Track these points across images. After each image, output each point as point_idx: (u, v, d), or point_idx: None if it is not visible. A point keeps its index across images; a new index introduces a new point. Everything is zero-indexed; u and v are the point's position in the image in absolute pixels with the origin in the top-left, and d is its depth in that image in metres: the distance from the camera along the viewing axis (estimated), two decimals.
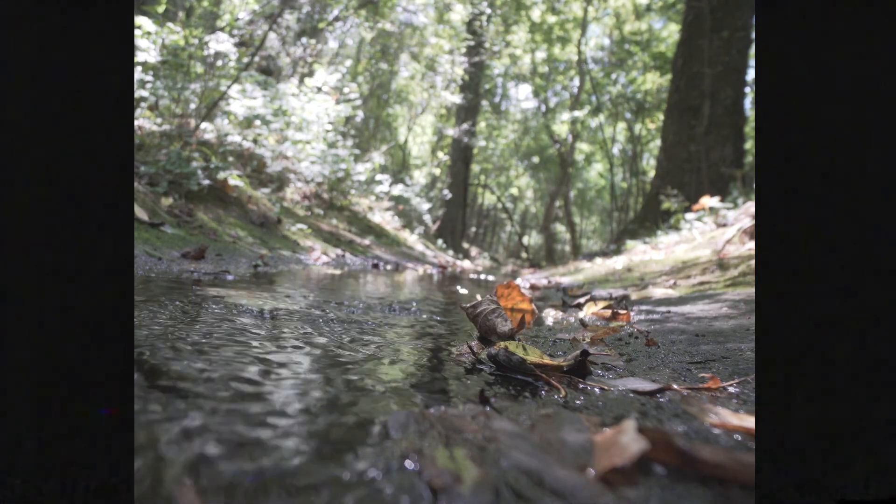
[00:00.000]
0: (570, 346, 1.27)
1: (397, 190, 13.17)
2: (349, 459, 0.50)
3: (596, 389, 0.86)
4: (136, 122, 6.02)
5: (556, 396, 0.80)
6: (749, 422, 0.66)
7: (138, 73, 5.95)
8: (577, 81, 21.81)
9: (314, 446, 0.53)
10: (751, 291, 2.30)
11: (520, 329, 1.26)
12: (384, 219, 12.04)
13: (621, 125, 22.35)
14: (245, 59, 7.36)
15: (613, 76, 21.08)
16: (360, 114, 12.83)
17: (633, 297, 2.96)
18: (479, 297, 1.37)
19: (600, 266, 6.82)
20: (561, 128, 23.69)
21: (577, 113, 20.21)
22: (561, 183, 22.60)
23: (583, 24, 20.16)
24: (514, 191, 30.39)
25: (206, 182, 5.53)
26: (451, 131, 19.38)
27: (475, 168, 25.01)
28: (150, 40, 6.00)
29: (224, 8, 12.09)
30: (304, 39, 12.30)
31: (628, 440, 0.52)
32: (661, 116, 15.83)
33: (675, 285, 3.15)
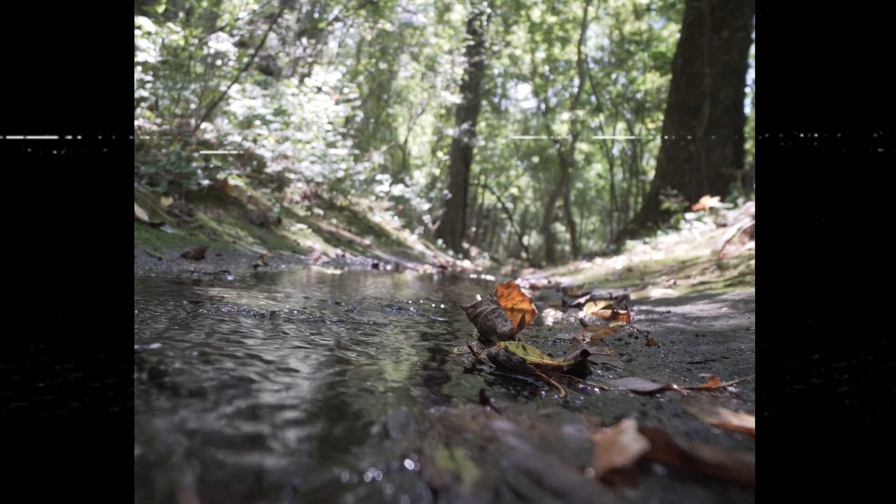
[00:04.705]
0: (570, 346, 1.27)
1: (397, 190, 13.16)
2: (349, 459, 0.50)
3: (596, 389, 0.86)
4: (136, 122, 6.02)
5: (556, 396, 0.80)
6: (749, 422, 0.66)
7: (138, 73, 5.95)
8: (577, 81, 21.81)
9: (314, 446, 0.53)
10: (751, 291, 2.30)
11: (520, 329, 1.26)
12: (384, 219, 12.03)
13: (621, 125, 22.34)
14: (245, 59, 7.35)
15: (613, 76, 21.07)
16: (360, 114, 12.83)
17: (633, 297, 2.96)
18: (479, 297, 1.37)
19: (600, 266, 6.82)
20: (561, 128, 23.67)
21: (578, 112, 20.20)
22: (561, 183, 22.58)
23: (583, 24, 20.15)
24: (514, 191, 30.38)
25: (206, 182, 5.53)
26: (451, 131, 19.37)
27: (475, 168, 25.01)
28: (150, 40, 6.00)
29: (224, 8, 12.08)
30: (304, 39, 12.30)
31: (628, 440, 0.52)
32: (661, 116, 15.82)
33: (675, 285, 3.15)
